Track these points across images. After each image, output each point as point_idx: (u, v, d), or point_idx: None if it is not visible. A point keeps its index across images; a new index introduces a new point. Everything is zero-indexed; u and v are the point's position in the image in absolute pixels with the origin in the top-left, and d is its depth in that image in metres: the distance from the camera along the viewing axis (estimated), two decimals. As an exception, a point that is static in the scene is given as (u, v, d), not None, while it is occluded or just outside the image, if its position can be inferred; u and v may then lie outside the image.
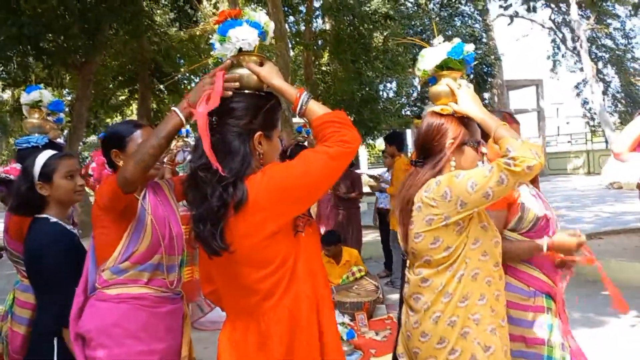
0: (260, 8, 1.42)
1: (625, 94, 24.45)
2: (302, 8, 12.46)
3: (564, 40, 24.57)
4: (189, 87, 13.51)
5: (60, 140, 3.25)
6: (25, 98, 2.80)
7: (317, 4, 12.72)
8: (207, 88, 1.38)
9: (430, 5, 19.77)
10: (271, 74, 1.40)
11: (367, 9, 12.92)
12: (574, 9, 18.41)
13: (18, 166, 2.54)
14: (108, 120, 17.01)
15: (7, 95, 16.10)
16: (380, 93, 16.84)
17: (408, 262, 1.73)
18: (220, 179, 1.29)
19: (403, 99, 19.15)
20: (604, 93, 23.39)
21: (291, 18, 12.87)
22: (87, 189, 2.35)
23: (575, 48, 23.20)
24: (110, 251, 1.76)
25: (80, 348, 1.74)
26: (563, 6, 22.07)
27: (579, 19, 19.13)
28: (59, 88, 11.11)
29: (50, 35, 8.10)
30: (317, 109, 1.38)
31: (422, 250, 1.59)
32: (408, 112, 18.87)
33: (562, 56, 25.12)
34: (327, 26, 13.12)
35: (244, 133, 1.36)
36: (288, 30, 11.76)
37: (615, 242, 6.68)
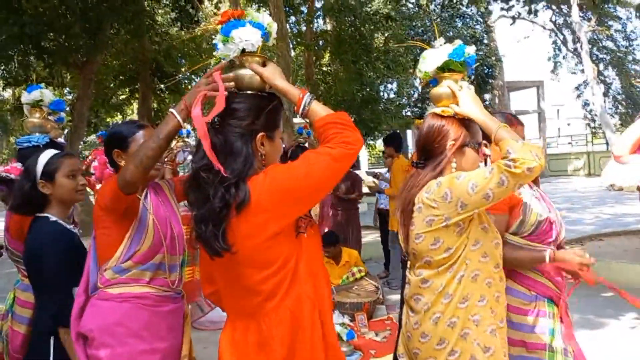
0: (264, 9, 1.42)
1: (626, 96, 24.46)
2: (304, 8, 12.46)
3: (565, 42, 24.59)
4: (189, 87, 13.51)
5: (61, 140, 3.25)
6: (26, 97, 2.80)
7: (318, 5, 12.73)
8: (203, 89, 1.39)
9: (432, 7, 19.77)
10: (274, 75, 1.40)
11: (368, 9, 12.94)
12: (575, 10, 18.41)
13: (19, 165, 2.54)
14: (109, 119, 17.02)
15: (7, 94, 16.13)
16: (381, 94, 16.85)
17: (409, 263, 1.73)
18: (223, 179, 1.29)
19: (404, 100, 19.16)
20: (605, 95, 23.39)
21: (292, 18, 12.87)
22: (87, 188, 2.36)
23: (576, 50, 23.23)
24: (111, 251, 1.76)
25: (81, 348, 1.74)
26: (564, 8, 22.06)
27: (580, 21, 19.14)
28: (60, 87, 11.12)
29: (51, 34, 8.11)
30: (319, 110, 1.38)
31: (423, 251, 1.60)
32: (409, 113, 18.89)
33: (563, 58, 25.16)
34: (328, 27, 13.14)
35: (247, 134, 1.36)
36: (289, 30, 11.77)
37: (616, 243, 6.68)
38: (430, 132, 1.68)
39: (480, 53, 19.57)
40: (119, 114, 16.80)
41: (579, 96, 25.67)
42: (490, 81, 21.37)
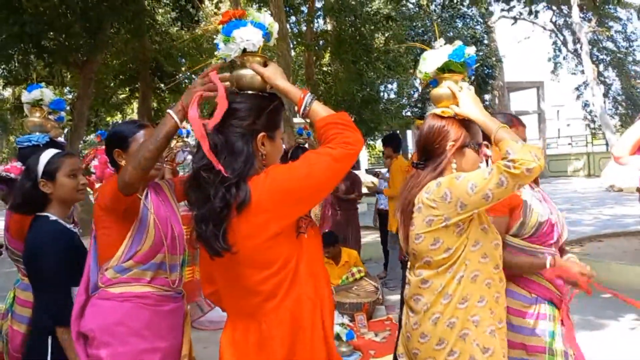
0: (266, 10, 1.42)
1: (626, 97, 24.48)
2: (304, 8, 12.46)
3: (565, 43, 24.60)
4: (189, 86, 13.49)
5: (61, 139, 3.25)
6: (27, 97, 2.80)
7: (318, 5, 12.72)
8: (199, 90, 1.39)
9: (432, 7, 19.78)
10: (275, 75, 1.40)
11: (369, 9, 12.93)
12: (575, 11, 18.41)
13: (19, 165, 2.54)
14: (109, 118, 17.02)
15: (7, 93, 16.12)
16: (381, 94, 16.86)
17: (409, 263, 1.73)
18: (223, 179, 1.29)
19: (404, 100, 19.17)
20: (605, 95, 23.39)
21: (293, 18, 12.87)
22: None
23: (576, 50, 23.24)
24: (112, 251, 1.76)
25: (82, 347, 1.74)
26: (564, 8, 22.07)
27: (581, 22, 19.14)
28: (60, 86, 11.12)
29: (51, 33, 8.10)
30: (320, 110, 1.38)
31: (423, 251, 1.60)
32: (409, 113, 18.90)
33: (563, 58, 25.18)
34: (329, 27, 13.13)
35: (247, 134, 1.36)
36: (289, 30, 11.77)
37: (616, 244, 6.68)
38: (431, 132, 1.69)
39: (481, 54, 19.58)
40: (119, 113, 16.81)
41: (579, 97, 25.70)
42: (490, 82, 21.38)
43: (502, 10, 21.62)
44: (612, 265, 5.23)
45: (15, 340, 2.23)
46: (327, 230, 5.46)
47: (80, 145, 10.37)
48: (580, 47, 19.12)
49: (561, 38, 24.58)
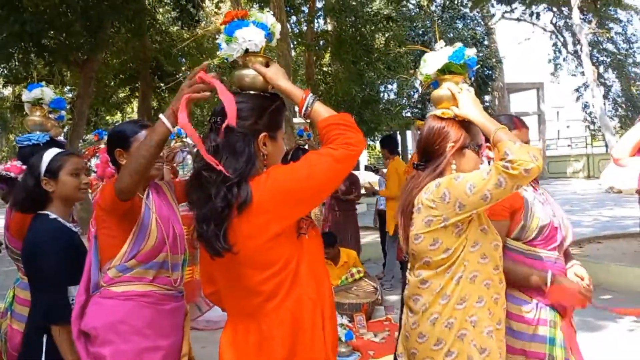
0: (268, 10, 1.42)
1: (625, 99, 24.49)
2: (305, 8, 12.45)
3: (565, 44, 24.61)
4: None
5: (61, 138, 3.26)
6: (27, 95, 2.80)
7: (319, 5, 12.72)
8: (186, 92, 1.39)
9: (432, 8, 19.79)
10: (277, 75, 1.40)
11: (369, 10, 12.93)
12: (575, 12, 18.42)
13: (18, 164, 2.55)
14: (109, 118, 17.01)
15: (7, 91, 16.11)
16: (381, 94, 16.87)
17: (409, 263, 1.74)
18: (225, 179, 1.29)
19: (404, 101, 19.17)
20: (605, 97, 23.41)
21: (293, 18, 12.86)
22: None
23: (576, 52, 23.25)
24: (114, 251, 1.77)
25: (83, 346, 1.74)
26: (565, 10, 22.08)
27: (581, 23, 19.14)
28: (60, 85, 11.12)
29: (52, 32, 8.10)
30: (322, 110, 1.39)
31: (422, 251, 1.60)
32: (409, 114, 18.91)
33: (564, 60, 25.20)
34: (329, 27, 13.12)
35: (249, 134, 1.36)
36: (290, 30, 11.76)
37: (615, 246, 6.68)
38: (431, 134, 1.70)
39: (481, 55, 19.59)
40: (119, 112, 16.80)
41: (578, 98, 25.71)
42: (490, 83, 21.39)
43: (505, 12, 21.63)
44: (611, 266, 5.23)
45: (15, 339, 2.23)
46: (326, 231, 5.47)
47: (79, 144, 10.36)
48: (581, 49, 19.12)
49: (561, 39, 24.60)
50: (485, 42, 21.25)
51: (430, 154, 1.70)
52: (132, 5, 8.56)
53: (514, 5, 20.53)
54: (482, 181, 1.46)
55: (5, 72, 9.86)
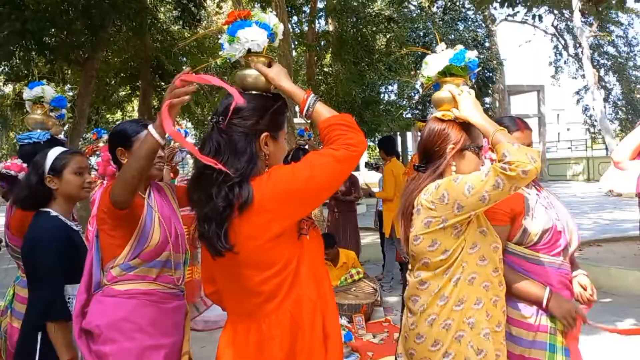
0: (271, 10, 1.42)
1: (626, 102, 24.51)
2: (306, 9, 12.46)
3: (566, 47, 24.62)
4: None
5: (62, 136, 3.26)
6: (28, 94, 2.81)
7: (320, 5, 12.72)
8: (167, 100, 1.37)
9: (434, 9, 19.79)
10: (279, 75, 1.41)
11: (371, 11, 12.94)
12: (577, 15, 18.42)
13: (19, 162, 2.55)
14: (109, 116, 17.00)
15: (8, 89, 16.11)
16: (382, 95, 16.87)
17: (409, 265, 1.74)
18: (226, 178, 1.29)
19: (404, 102, 19.18)
20: (605, 100, 23.41)
21: (294, 18, 12.87)
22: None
23: (577, 55, 23.25)
24: (115, 250, 1.77)
25: (85, 344, 1.74)
26: (566, 13, 22.08)
27: (582, 26, 19.14)
28: (61, 84, 11.12)
29: (53, 30, 8.09)
30: (324, 111, 1.39)
31: (421, 252, 1.61)
32: (409, 115, 18.90)
33: (564, 62, 25.21)
34: (330, 27, 13.13)
35: (250, 133, 1.36)
36: (291, 30, 11.77)
37: (614, 249, 6.68)
38: (431, 135, 1.71)
39: (482, 57, 19.57)
40: (119, 111, 16.80)
41: (579, 101, 25.74)
42: (490, 85, 21.39)
43: (508, 15, 21.60)
44: (611, 270, 5.23)
45: (14, 337, 2.22)
46: (325, 232, 5.47)
47: (80, 143, 10.36)
48: (581, 52, 19.13)
49: (562, 42, 24.61)
50: (487, 44, 21.24)
51: (430, 156, 1.71)
52: (133, 4, 8.55)
53: (516, 8, 20.47)
54: (480, 183, 1.46)
55: (7, 69, 9.85)
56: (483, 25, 21.78)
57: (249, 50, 1.40)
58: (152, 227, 1.78)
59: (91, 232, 2.61)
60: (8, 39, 6.76)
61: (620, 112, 25.17)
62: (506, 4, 5.74)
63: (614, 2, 5.97)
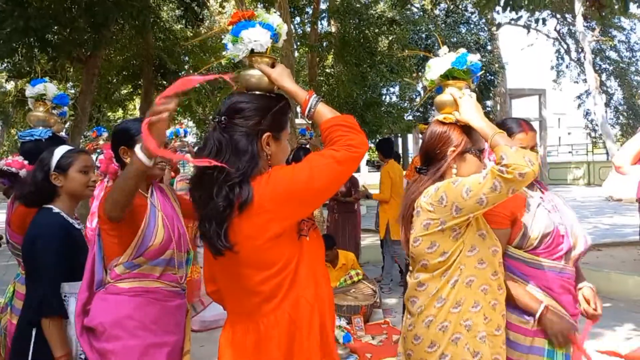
0: (274, 11, 1.42)
1: (627, 107, 24.52)
2: (309, 10, 12.48)
3: (568, 51, 24.61)
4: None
5: (63, 134, 3.26)
6: (30, 91, 2.81)
7: (323, 6, 12.74)
8: (146, 119, 1.33)
9: (436, 12, 19.79)
10: (282, 76, 1.41)
11: (373, 12, 12.95)
12: (579, 20, 18.44)
13: (20, 159, 2.55)
14: (110, 114, 17.03)
15: (10, 86, 16.13)
16: (383, 97, 16.88)
17: (410, 266, 1.74)
18: (227, 178, 1.30)
19: (406, 104, 19.19)
20: (607, 105, 23.40)
21: (297, 19, 12.89)
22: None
23: (579, 59, 23.26)
24: (117, 250, 1.77)
25: (87, 342, 1.74)
26: (569, 17, 22.09)
27: (584, 31, 19.16)
28: (63, 81, 11.14)
29: (56, 28, 8.11)
30: (326, 112, 1.39)
31: (420, 254, 1.62)
32: (410, 117, 18.91)
33: (566, 67, 25.20)
34: (333, 29, 13.14)
35: (252, 133, 1.36)
36: (293, 31, 11.78)
37: (614, 254, 6.68)
38: (432, 138, 1.72)
39: (484, 60, 19.54)
40: (121, 109, 16.82)
41: (580, 106, 25.74)
42: (492, 88, 21.37)
43: (512, 19, 21.59)
44: (611, 274, 5.23)
45: (14, 334, 2.23)
46: (324, 234, 5.46)
47: (81, 141, 10.37)
48: (584, 56, 19.14)
49: (564, 46, 24.60)
50: (489, 47, 21.23)
51: (431, 158, 1.72)
52: (136, 3, 8.56)
53: (520, 13, 20.46)
54: (478, 185, 1.47)
55: (9, 66, 9.87)
56: (485, 28, 21.77)
57: (252, 51, 1.41)
58: (156, 225, 1.79)
59: (90, 230, 2.62)
60: (11, 36, 6.77)
61: (621, 117, 25.18)
62: (509, 8, 5.74)
63: (616, 7, 5.96)
